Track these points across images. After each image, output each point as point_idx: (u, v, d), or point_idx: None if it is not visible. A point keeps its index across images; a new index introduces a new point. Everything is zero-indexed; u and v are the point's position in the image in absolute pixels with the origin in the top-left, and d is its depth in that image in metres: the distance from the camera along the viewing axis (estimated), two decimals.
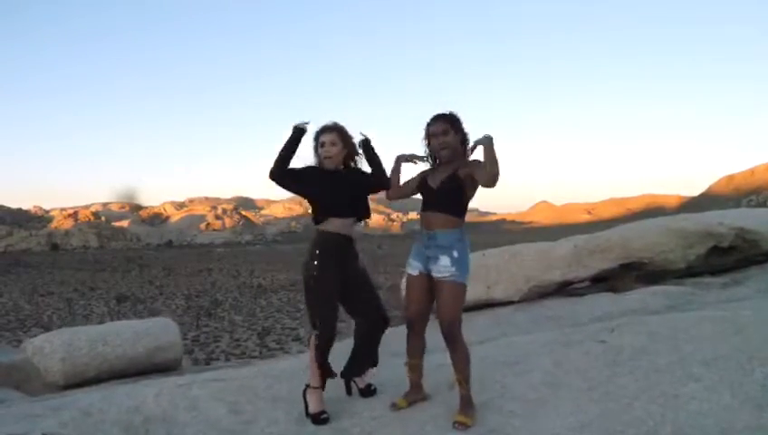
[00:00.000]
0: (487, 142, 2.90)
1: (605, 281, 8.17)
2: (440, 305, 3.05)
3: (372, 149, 3.36)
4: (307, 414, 3.12)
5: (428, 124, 3.20)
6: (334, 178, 3.26)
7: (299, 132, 3.22)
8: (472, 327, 6.23)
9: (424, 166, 3.34)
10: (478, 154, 3.04)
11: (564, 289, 8.08)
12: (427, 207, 3.16)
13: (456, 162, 3.14)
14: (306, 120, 3.25)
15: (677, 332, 3.66)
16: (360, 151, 3.37)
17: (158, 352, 4.34)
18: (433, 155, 3.23)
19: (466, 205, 3.16)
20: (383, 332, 3.38)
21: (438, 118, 3.17)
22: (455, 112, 3.19)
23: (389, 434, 2.90)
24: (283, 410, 3.26)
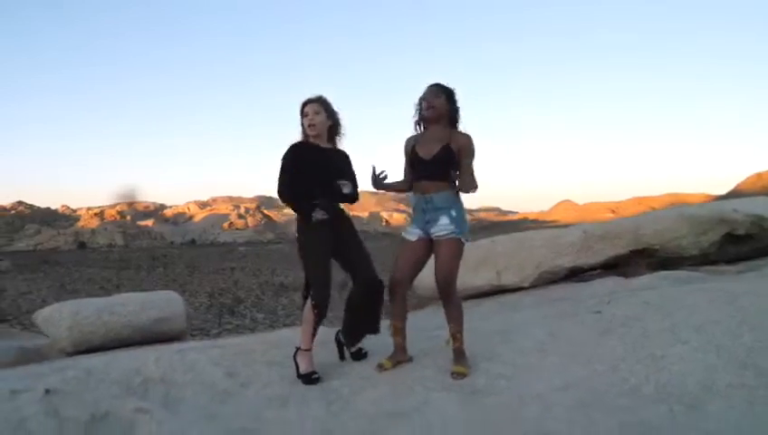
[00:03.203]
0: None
1: (616, 268, 8.13)
2: (439, 262, 3.15)
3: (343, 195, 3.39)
4: (299, 375, 3.21)
5: (424, 91, 3.31)
6: (314, 153, 3.35)
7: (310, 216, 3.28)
8: (478, 311, 6.27)
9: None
10: None
11: (574, 276, 8.06)
12: (420, 177, 3.27)
13: (443, 128, 3.23)
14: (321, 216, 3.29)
15: (671, 302, 3.66)
16: (343, 131, 3.48)
17: (163, 322, 4.48)
18: (421, 119, 3.32)
19: (456, 172, 3.26)
20: (381, 297, 3.42)
21: (433, 85, 3.31)
22: (450, 86, 3.30)
23: (378, 393, 2.96)
24: (277, 374, 3.35)
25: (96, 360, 3.72)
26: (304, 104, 3.39)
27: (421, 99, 3.29)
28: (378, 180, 3.31)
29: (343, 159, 3.48)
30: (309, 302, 3.28)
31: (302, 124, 3.40)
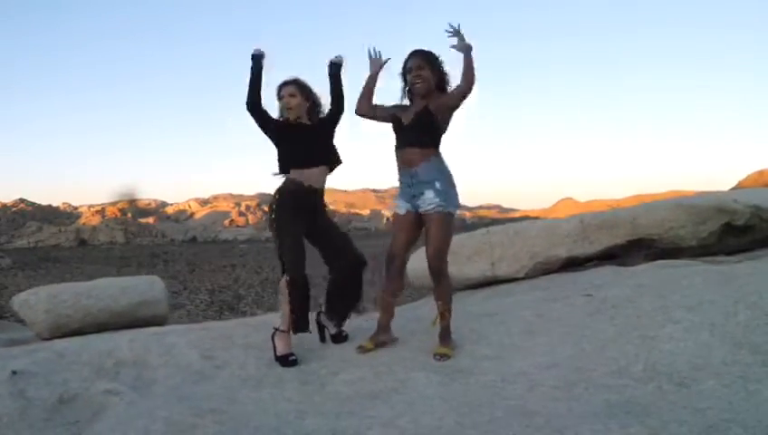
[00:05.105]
0: (465, 51, 2.99)
1: (613, 258, 8.01)
2: (429, 238, 3.06)
3: (338, 71, 3.37)
4: (276, 358, 3.10)
5: (406, 60, 3.19)
6: (296, 129, 3.30)
7: (257, 59, 3.25)
8: (470, 299, 6.15)
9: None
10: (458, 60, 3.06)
11: (571, 266, 7.94)
12: (401, 143, 3.17)
13: (428, 98, 3.12)
14: (261, 48, 3.28)
15: (666, 283, 3.55)
16: (323, 109, 3.40)
17: (143, 307, 4.36)
18: (408, 90, 3.21)
19: (440, 136, 3.16)
20: (361, 272, 3.35)
21: (416, 53, 3.19)
22: (434, 51, 3.18)
23: (356, 374, 2.85)
24: (254, 356, 3.25)
25: (69, 343, 3.61)
26: (280, 87, 3.33)
27: (406, 70, 3.17)
28: (376, 62, 3.25)
29: (321, 123, 3.38)
30: (283, 280, 3.15)
31: (279, 108, 3.32)
